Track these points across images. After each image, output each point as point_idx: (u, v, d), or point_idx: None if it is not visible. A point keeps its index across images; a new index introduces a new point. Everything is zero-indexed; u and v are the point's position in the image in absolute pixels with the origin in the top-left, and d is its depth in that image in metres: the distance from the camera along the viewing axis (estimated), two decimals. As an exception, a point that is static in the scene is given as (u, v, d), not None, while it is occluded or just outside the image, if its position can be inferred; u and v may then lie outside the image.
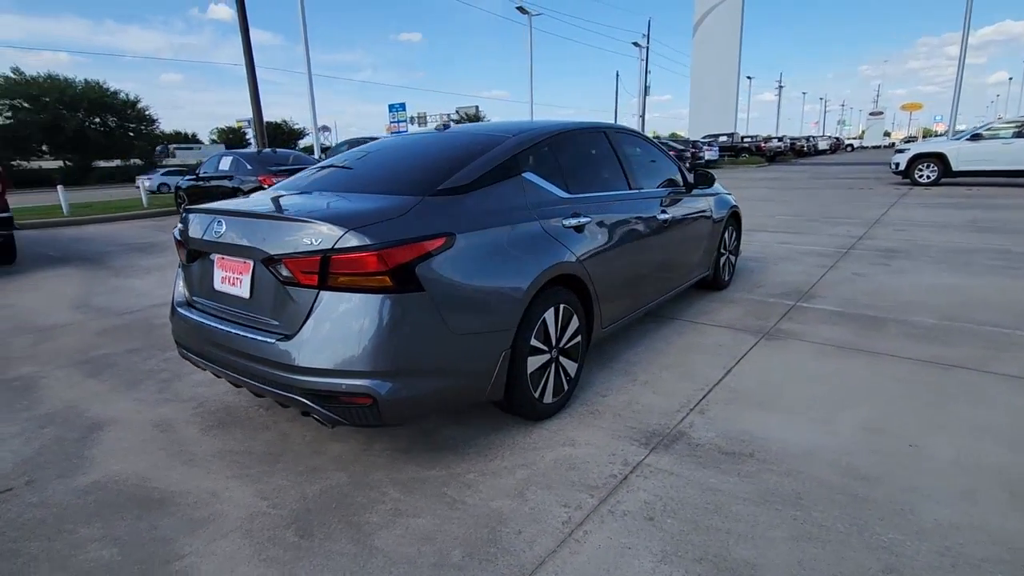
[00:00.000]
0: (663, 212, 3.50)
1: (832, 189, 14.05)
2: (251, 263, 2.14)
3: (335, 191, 2.48)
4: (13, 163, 34.08)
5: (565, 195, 2.73)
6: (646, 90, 41.20)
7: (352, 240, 1.88)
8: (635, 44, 38.49)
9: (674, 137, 54.35)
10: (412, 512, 1.97)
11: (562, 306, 2.55)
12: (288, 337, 1.98)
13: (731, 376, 3.01)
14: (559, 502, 1.99)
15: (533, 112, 30.46)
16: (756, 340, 3.55)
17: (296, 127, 56.10)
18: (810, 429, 2.44)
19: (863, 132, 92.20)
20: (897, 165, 14.19)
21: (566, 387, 2.67)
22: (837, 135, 76.96)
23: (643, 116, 40.58)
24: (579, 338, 2.70)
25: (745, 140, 35.51)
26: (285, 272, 1.99)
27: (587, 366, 3.18)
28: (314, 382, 1.93)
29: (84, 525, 1.95)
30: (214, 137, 51.68)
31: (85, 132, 37.35)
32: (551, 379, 2.54)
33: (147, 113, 42.22)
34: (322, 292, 1.92)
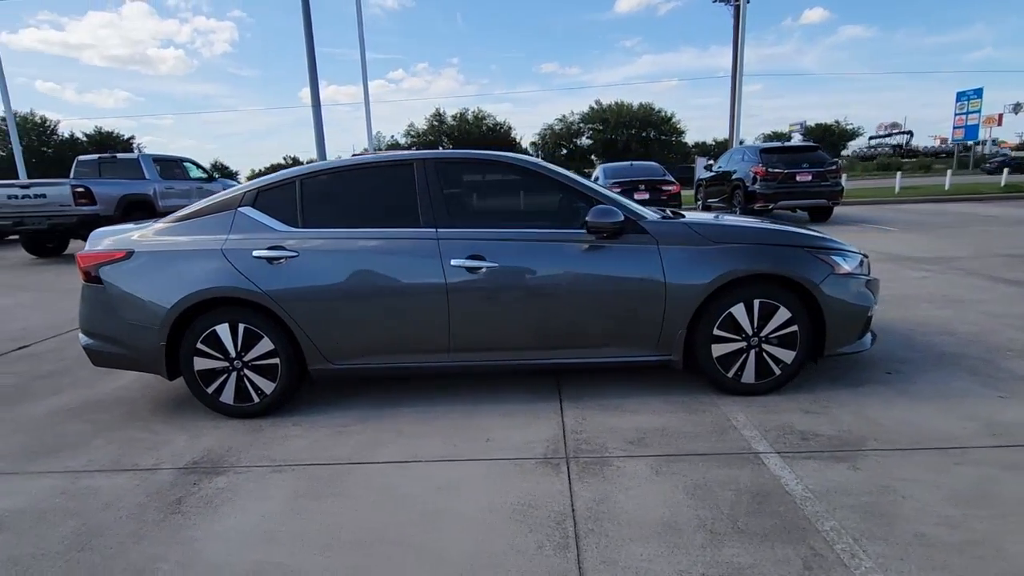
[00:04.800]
0: (469, 259, 2.82)
1: None
2: None
3: None
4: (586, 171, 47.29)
5: (284, 230, 2.93)
6: None
7: (85, 246, 3.11)
8: None
9: None
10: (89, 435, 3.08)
11: (242, 326, 2.90)
12: None
13: (323, 469, 2.48)
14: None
15: None
16: (526, 456, 2.48)
17: (850, 127, 53.77)
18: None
19: None
20: None
21: (255, 399, 2.98)
22: None
23: None
24: (275, 360, 2.94)
25: None
26: None
27: (365, 404, 3.15)
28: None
29: None
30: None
31: (629, 144, 46.85)
32: (230, 385, 2.96)
33: (679, 126, 49.08)
34: None
